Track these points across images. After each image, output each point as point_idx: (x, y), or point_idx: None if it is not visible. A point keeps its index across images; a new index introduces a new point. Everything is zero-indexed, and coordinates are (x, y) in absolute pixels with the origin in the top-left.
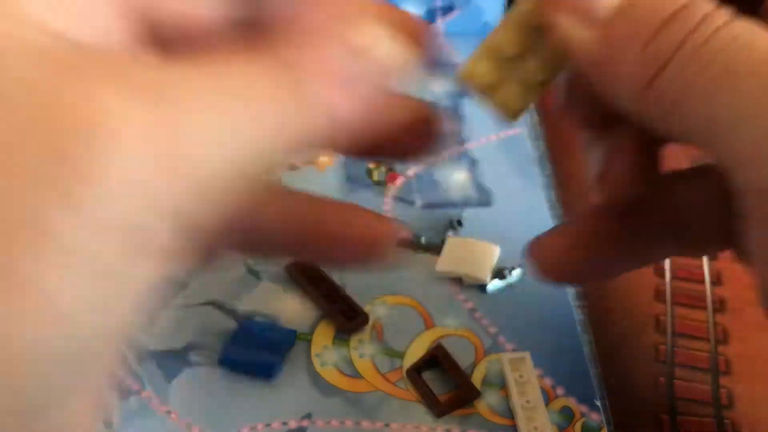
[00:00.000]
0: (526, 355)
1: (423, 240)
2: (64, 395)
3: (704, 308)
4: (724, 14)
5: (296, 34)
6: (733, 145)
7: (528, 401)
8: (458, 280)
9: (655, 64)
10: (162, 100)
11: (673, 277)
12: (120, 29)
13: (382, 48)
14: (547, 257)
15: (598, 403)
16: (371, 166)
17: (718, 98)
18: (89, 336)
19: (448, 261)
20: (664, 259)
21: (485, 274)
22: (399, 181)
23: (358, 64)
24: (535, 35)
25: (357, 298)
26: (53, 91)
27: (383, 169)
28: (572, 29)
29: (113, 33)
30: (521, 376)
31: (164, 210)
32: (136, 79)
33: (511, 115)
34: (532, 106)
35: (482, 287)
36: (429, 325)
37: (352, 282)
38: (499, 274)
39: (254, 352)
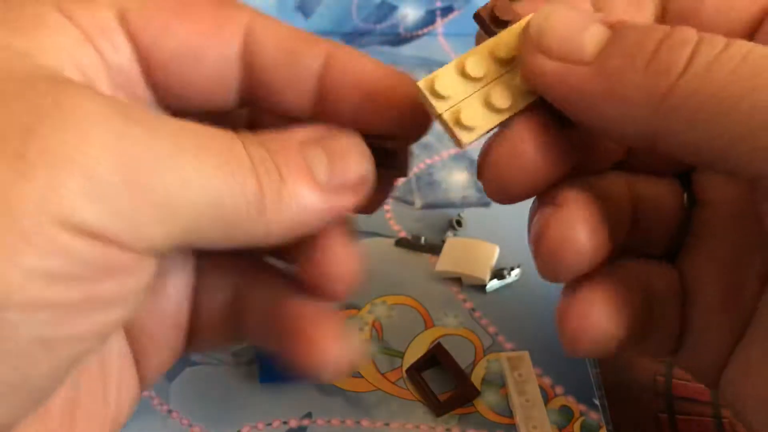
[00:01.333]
0: (525, 354)
1: (423, 240)
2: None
3: None
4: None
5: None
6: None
7: (527, 400)
8: (458, 280)
9: (666, 76)
10: (129, 120)
11: None
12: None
13: (352, 162)
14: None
15: (597, 402)
16: None
17: (756, 105)
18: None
19: (447, 261)
20: None
21: (485, 274)
22: (399, 181)
23: (331, 171)
24: (504, 66)
25: (357, 299)
26: (44, 86)
27: None
28: (558, 70)
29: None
30: (520, 375)
31: (115, 219)
32: (112, 103)
33: (464, 134)
34: (485, 133)
35: (482, 287)
36: (429, 324)
37: None
38: (498, 273)
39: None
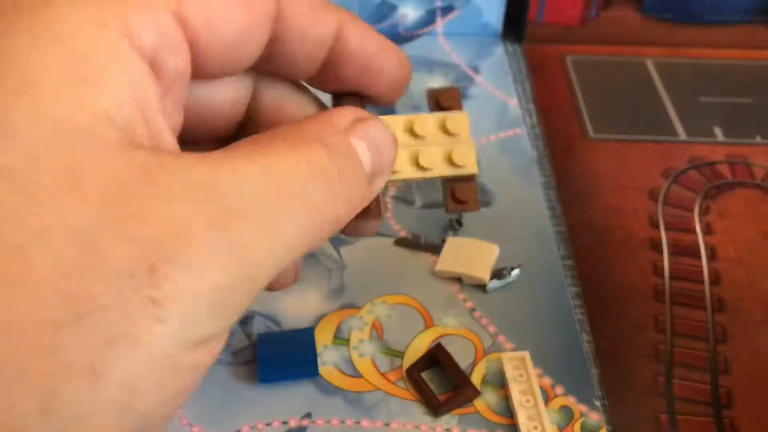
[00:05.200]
0: (526, 354)
1: (423, 240)
2: None
3: (703, 308)
4: None
5: (327, 127)
6: None
7: (527, 400)
8: (458, 280)
9: None
10: (227, 212)
11: (672, 277)
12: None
13: (386, 149)
14: None
15: (598, 402)
16: None
17: None
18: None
19: (447, 261)
20: None
21: (485, 274)
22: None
23: (378, 160)
24: (446, 136)
25: (357, 298)
26: (136, 197)
27: None
28: None
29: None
30: (521, 376)
31: (228, 317)
32: (202, 188)
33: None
34: (405, 180)
35: (482, 287)
36: (429, 324)
37: (352, 282)
38: (498, 273)
39: (289, 360)
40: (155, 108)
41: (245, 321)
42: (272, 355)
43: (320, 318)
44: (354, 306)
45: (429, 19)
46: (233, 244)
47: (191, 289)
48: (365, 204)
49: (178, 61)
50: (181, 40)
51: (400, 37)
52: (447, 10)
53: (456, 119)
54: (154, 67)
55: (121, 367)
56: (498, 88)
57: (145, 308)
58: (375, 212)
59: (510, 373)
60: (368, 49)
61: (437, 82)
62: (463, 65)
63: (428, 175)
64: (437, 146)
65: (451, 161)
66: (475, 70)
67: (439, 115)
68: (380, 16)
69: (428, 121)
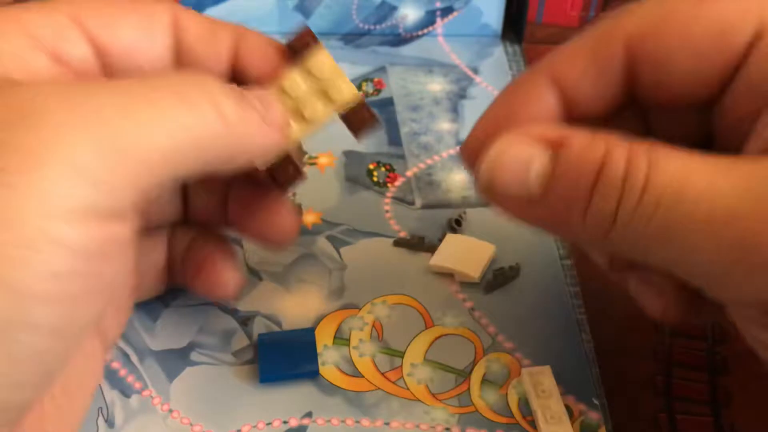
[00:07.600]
0: (547, 368)
1: (423, 240)
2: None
3: None
4: (642, 160)
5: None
6: (693, 280)
7: (551, 416)
8: (451, 276)
9: (601, 226)
10: (85, 91)
11: None
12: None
13: (275, 106)
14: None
15: (597, 401)
16: (371, 166)
17: (666, 249)
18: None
19: (442, 257)
20: None
21: (476, 272)
22: (399, 181)
23: (264, 109)
24: (314, 83)
25: (357, 298)
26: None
27: (383, 169)
28: (512, 207)
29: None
30: (543, 392)
31: (110, 185)
32: (79, 88)
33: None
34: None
35: (483, 287)
36: (429, 324)
37: (352, 282)
38: (498, 273)
39: (290, 360)
40: (54, 73)
41: (246, 321)
42: (273, 354)
43: (321, 318)
44: (354, 306)
45: (429, 20)
46: (90, 111)
47: (46, 155)
48: (265, 132)
49: (78, 51)
50: (78, 36)
51: (400, 38)
52: (447, 11)
53: (316, 61)
54: (56, 55)
55: None
56: (498, 88)
57: None
58: (296, 173)
59: (532, 389)
60: (263, 45)
61: (437, 82)
62: (462, 66)
63: (319, 122)
64: (313, 94)
65: (330, 100)
66: (475, 70)
67: (301, 66)
68: (380, 17)
69: (295, 77)
